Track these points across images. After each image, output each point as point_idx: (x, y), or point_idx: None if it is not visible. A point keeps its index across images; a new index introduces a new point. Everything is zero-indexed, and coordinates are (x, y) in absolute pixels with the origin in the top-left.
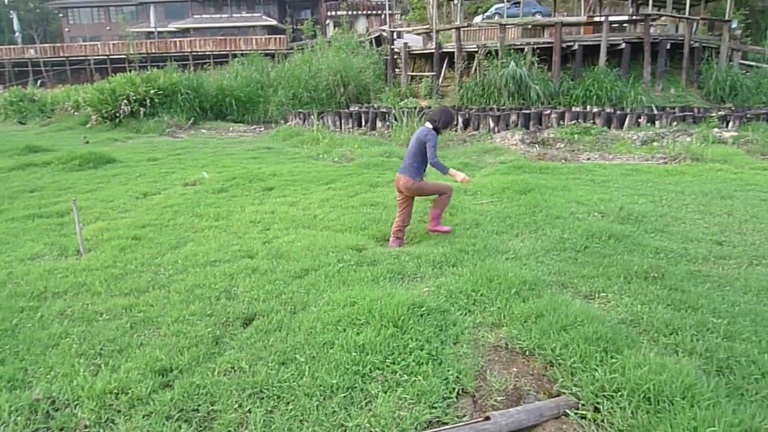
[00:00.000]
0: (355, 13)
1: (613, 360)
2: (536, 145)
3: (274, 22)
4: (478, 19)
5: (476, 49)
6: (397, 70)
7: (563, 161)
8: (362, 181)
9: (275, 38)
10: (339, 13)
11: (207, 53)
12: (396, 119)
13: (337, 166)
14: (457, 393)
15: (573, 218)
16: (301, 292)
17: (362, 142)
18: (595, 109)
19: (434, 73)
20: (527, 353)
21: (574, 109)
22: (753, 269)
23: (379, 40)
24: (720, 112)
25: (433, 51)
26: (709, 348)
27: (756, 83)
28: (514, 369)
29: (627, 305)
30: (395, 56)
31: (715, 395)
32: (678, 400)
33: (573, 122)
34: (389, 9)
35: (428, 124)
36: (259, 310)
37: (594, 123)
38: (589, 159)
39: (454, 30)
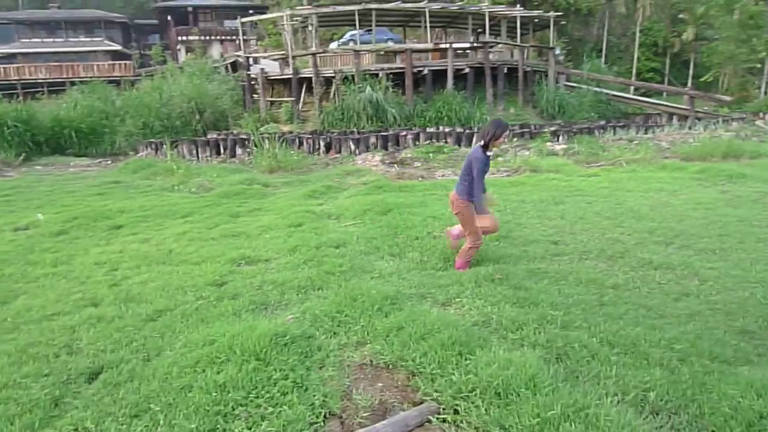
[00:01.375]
0: (208, 38)
1: (468, 362)
2: (395, 165)
3: (118, 47)
4: (333, 45)
5: (333, 75)
6: (255, 95)
7: (420, 179)
8: (222, 212)
9: (120, 64)
10: (191, 38)
11: (39, 81)
12: (256, 145)
13: (195, 197)
14: (324, 416)
15: (429, 238)
16: (154, 337)
17: (221, 171)
18: (447, 129)
19: (293, 99)
20: (391, 367)
21: (428, 129)
22: (583, 263)
23: (235, 66)
24: (552, 128)
25: (290, 76)
26: (549, 338)
27: (579, 102)
28: (380, 384)
29: (479, 308)
30: (252, 82)
31: (554, 381)
32: (523, 391)
33: (428, 142)
34: (244, 34)
35: (480, 142)
36: (106, 362)
37: (446, 142)
38: (443, 176)
39: (310, 56)
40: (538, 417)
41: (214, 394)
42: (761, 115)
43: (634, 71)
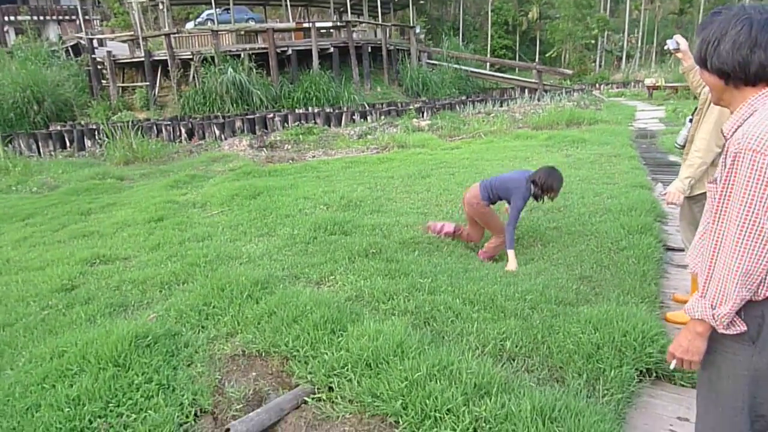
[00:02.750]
0: (42, 18)
1: (340, 339)
2: (264, 149)
3: None
4: (189, 25)
5: (191, 57)
6: (104, 81)
7: (291, 161)
8: (70, 210)
9: None
10: (20, 18)
11: None
12: (108, 136)
13: (37, 196)
14: (195, 415)
15: (301, 214)
16: None
17: (68, 166)
18: (316, 110)
19: (148, 83)
20: (264, 354)
21: (297, 111)
22: None
23: (77, 49)
24: (417, 105)
25: (143, 59)
26: (417, 305)
27: (441, 79)
28: (253, 373)
29: (352, 283)
30: (99, 66)
31: (421, 344)
32: (392, 358)
33: (297, 123)
34: (85, 14)
35: (531, 184)
36: None
37: (316, 123)
38: (314, 156)
39: (164, 37)
40: (406, 380)
41: (67, 410)
42: (597, 86)
43: (488, 49)
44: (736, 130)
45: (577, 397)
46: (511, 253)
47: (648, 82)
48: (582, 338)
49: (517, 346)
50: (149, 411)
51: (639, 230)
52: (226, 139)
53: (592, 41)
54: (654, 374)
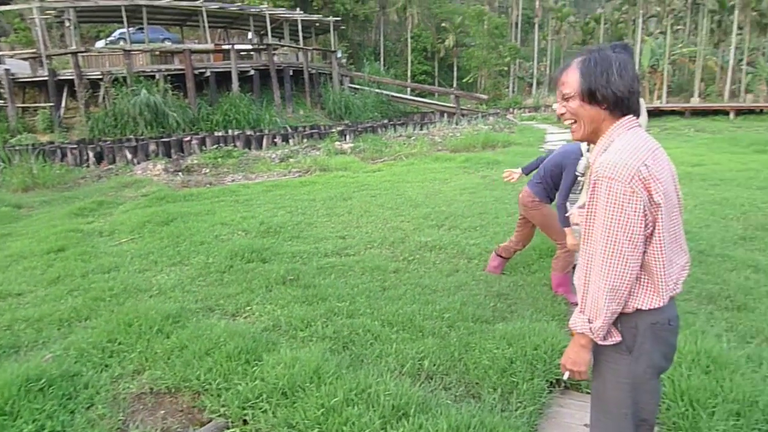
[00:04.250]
0: None
1: (255, 369)
2: (180, 173)
3: None
4: (100, 44)
5: (101, 77)
6: (0, 101)
7: (208, 186)
8: None
9: None
10: None
11: None
12: (4, 161)
13: None
14: None
15: (217, 241)
16: None
17: None
18: (236, 133)
19: (52, 104)
20: (173, 390)
21: (216, 133)
22: (368, 252)
23: None
24: (339, 128)
25: (46, 78)
26: (336, 330)
27: (363, 102)
28: (162, 411)
29: (269, 312)
30: None
31: (338, 369)
32: (308, 385)
33: (215, 147)
34: None
35: (584, 146)
36: None
37: (235, 146)
38: (233, 180)
39: (70, 55)
40: (322, 407)
41: None
42: (511, 110)
43: (409, 74)
44: (597, 157)
45: (493, 411)
46: (566, 230)
47: (556, 107)
48: (497, 353)
49: (435, 365)
50: None
51: (548, 254)
52: (138, 163)
53: (505, 68)
54: (562, 384)
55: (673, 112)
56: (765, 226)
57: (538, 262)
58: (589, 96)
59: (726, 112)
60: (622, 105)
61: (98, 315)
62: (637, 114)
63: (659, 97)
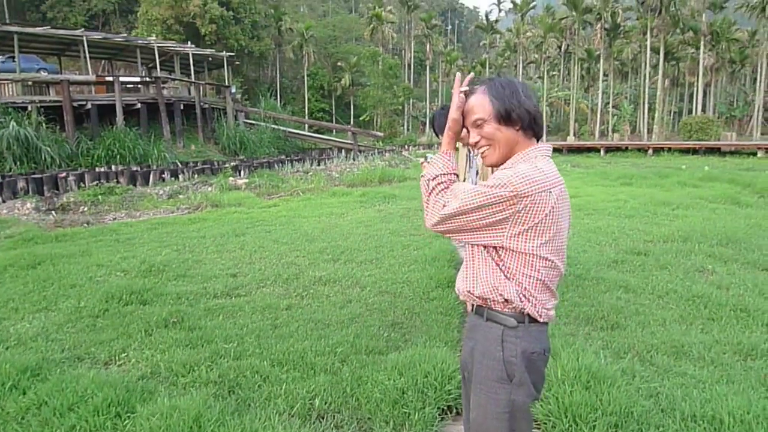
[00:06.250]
0: None
1: (126, 422)
2: (54, 212)
3: None
4: None
5: None
6: None
7: (86, 225)
8: None
9: None
10: None
11: None
12: None
13: None
14: None
15: (91, 283)
16: None
17: None
18: (120, 168)
19: None
20: None
21: (97, 169)
22: (260, 291)
23: None
24: (233, 164)
25: None
26: (221, 373)
27: (259, 138)
28: None
29: (148, 358)
30: None
31: (222, 416)
32: None
33: (95, 183)
34: None
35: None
36: None
37: (119, 182)
38: (115, 219)
39: None
40: None
41: None
42: (406, 147)
43: (306, 110)
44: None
45: None
46: None
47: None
48: (388, 385)
49: (326, 403)
50: None
51: (446, 284)
52: (4, 202)
53: (400, 107)
54: (454, 411)
55: (552, 150)
56: (633, 250)
57: (437, 290)
58: (506, 117)
59: (597, 150)
60: (534, 124)
61: None
62: (540, 138)
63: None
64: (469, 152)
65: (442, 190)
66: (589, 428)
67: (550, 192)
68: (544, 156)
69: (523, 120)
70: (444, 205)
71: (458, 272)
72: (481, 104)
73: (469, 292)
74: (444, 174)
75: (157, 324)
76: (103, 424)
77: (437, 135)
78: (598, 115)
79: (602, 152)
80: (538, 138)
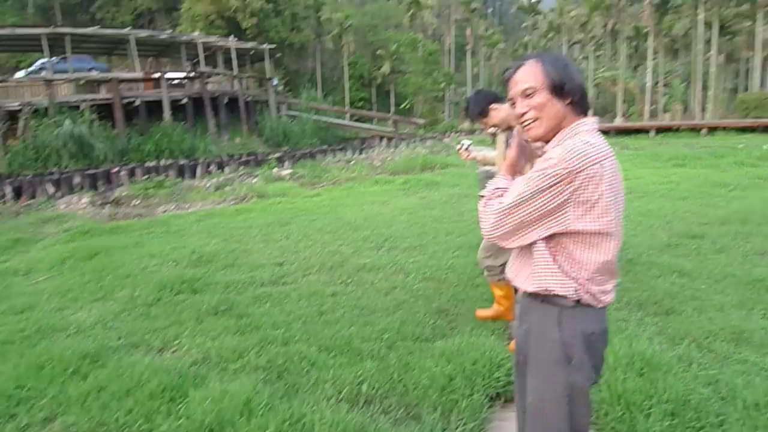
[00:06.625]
0: None
1: (180, 406)
2: (108, 206)
3: None
4: (20, 74)
5: (20, 108)
6: None
7: (138, 218)
8: None
9: None
10: None
11: None
12: None
13: None
14: None
15: (145, 273)
16: None
17: None
18: (168, 162)
19: None
20: None
21: (147, 164)
22: (306, 278)
23: None
24: (277, 155)
25: None
26: (270, 359)
27: (301, 129)
28: None
29: (199, 345)
30: None
31: (271, 400)
32: (238, 419)
33: (146, 177)
34: None
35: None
36: None
37: (168, 175)
38: (165, 211)
39: None
40: None
41: None
42: (447, 134)
43: (347, 100)
44: (553, 148)
45: (433, 431)
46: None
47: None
48: (436, 372)
49: (373, 389)
50: None
51: None
52: (62, 197)
53: (441, 94)
54: (503, 398)
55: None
56: (688, 233)
57: (481, 276)
58: (558, 88)
59: (647, 131)
60: (583, 100)
61: (6, 360)
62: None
63: None
64: (508, 139)
65: (498, 196)
66: (644, 416)
67: (602, 164)
68: (591, 130)
69: (574, 94)
70: (500, 203)
71: (509, 261)
72: (534, 74)
73: (523, 287)
74: (502, 188)
75: (207, 312)
76: (158, 408)
77: (471, 120)
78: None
79: (652, 133)
80: (586, 115)
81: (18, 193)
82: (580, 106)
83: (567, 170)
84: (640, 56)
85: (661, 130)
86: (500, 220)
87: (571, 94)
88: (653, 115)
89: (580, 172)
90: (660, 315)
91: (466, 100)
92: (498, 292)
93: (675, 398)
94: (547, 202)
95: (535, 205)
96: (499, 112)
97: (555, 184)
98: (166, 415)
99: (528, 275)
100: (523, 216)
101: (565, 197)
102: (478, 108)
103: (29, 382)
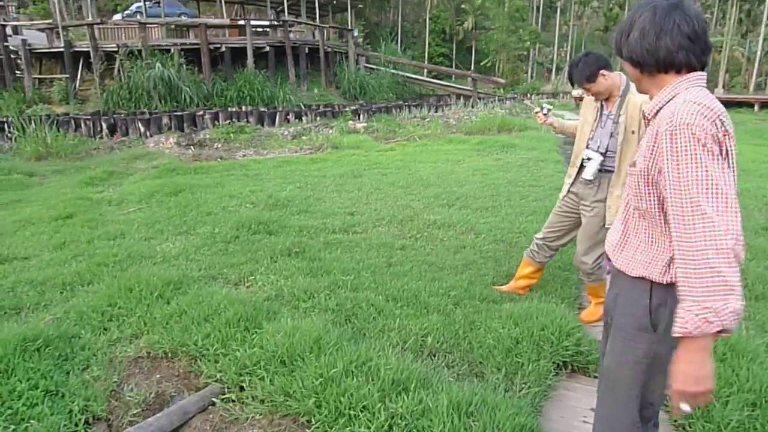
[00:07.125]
0: None
1: (254, 336)
2: (192, 147)
3: None
4: (117, 17)
5: (116, 49)
6: (18, 72)
7: (219, 160)
8: None
9: None
10: None
11: None
12: (18, 130)
13: None
14: (87, 422)
15: (224, 212)
16: None
17: None
18: (249, 109)
19: (68, 76)
20: (170, 355)
21: (229, 109)
22: (375, 230)
23: None
24: (353, 107)
25: (62, 50)
26: (339, 302)
27: (378, 83)
28: (158, 375)
29: (273, 282)
30: (13, 56)
31: (339, 341)
32: (307, 355)
33: (228, 122)
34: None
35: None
36: None
37: (248, 122)
38: (245, 156)
39: (87, 27)
40: (321, 377)
41: None
42: (528, 95)
43: (426, 55)
44: (658, 111)
45: (495, 391)
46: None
47: (575, 93)
48: (502, 333)
49: (438, 342)
50: (32, 420)
51: None
52: (151, 136)
53: (525, 53)
54: (570, 367)
55: None
56: None
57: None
58: (619, 54)
59: (751, 104)
60: (652, 63)
61: (100, 280)
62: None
63: None
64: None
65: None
66: (721, 404)
67: (722, 122)
68: (695, 86)
69: (632, 63)
70: (703, 214)
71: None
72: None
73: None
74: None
75: (281, 252)
76: (234, 335)
77: (573, 83)
78: (756, 65)
79: (756, 107)
80: (691, 67)
81: (112, 130)
82: (651, 66)
83: (706, 131)
84: (752, 21)
85: (767, 105)
86: (730, 250)
87: (628, 60)
88: (760, 87)
89: (710, 130)
90: (749, 299)
91: (573, 60)
92: (528, 269)
93: (758, 388)
94: (722, 167)
95: (724, 178)
96: (607, 79)
97: (706, 146)
98: (240, 342)
99: (632, 257)
100: (732, 202)
101: (722, 150)
102: (588, 71)
103: (120, 302)
